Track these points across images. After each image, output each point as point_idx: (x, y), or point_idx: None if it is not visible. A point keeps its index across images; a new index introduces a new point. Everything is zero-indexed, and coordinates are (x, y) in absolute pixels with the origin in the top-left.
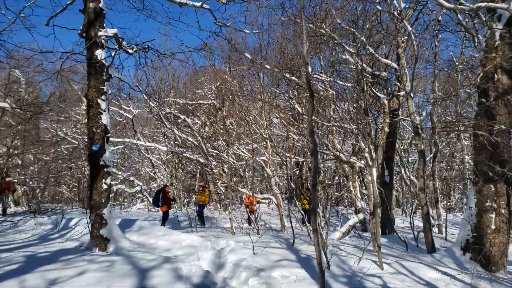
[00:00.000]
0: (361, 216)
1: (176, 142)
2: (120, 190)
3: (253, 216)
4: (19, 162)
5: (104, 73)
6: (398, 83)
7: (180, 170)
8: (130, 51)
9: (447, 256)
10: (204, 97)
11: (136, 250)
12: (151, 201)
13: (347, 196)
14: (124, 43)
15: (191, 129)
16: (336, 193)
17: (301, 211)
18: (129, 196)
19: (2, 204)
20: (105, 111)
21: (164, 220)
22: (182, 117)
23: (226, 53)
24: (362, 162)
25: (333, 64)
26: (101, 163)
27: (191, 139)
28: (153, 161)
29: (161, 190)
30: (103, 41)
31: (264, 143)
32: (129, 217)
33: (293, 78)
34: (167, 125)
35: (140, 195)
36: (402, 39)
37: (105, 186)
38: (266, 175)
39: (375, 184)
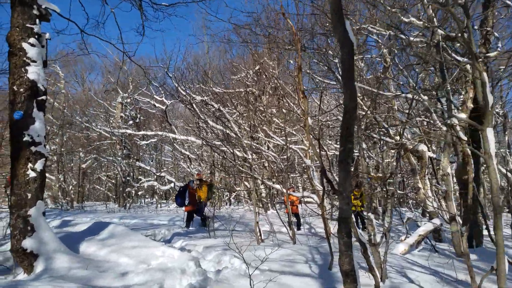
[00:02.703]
0: (437, 222)
1: (213, 134)
2: (156, 188)
3: (295, 218)
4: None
5: (35, 5)
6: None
7: (219, 165)
8: None
9: None
10: (241, 84)
11: (73, 274)
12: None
13: (412, 196)
14: None
15: (227, 120)
16: (398, 191)
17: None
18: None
19: None
20: (34, 62)
21: (189, 221)
22: (216, 106)
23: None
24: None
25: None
26: (26, 138)
27: (227, 131)
28: (189, 156)
29: (185, 187)
30: None
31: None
32: (153, 217)
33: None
34: (200, 116)
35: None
36: None
37: (32, 174)
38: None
39: (494, 165)
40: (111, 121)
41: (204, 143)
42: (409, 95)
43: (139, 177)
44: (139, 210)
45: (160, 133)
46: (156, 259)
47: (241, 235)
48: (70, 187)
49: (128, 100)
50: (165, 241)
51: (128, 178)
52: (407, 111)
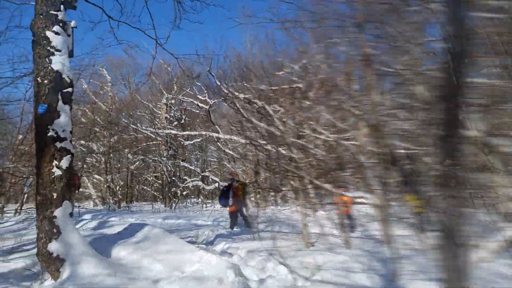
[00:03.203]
0: None
1: (257, 133)
2: (201, 188)
3: (349, 220)
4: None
5: None
6: None
7: (264, 165)
8: None
9: None
10: (286, 80)
11: (99, 281)
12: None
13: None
14: None
15: (271, 117)
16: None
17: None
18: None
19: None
20: (59, 51)
21: (233, 223)
22: (260, 103)
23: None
24: None
25: None
26: (50, 133)
27: (272, 129)
28: (233, 155)
29: (229, 187)
30: None
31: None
32: (198, 217)
33: None
34: (244, 114)
35: None
36: None
37: (57, 172)
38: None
39: None
40: (156, 122)
41: (248, 142)
42: None
43: (185, 177)
44: (184, 210)
45: (204, 133)
46: (192, 265)
47: (288, 237)
48: (117, 187)
49: (173, 101)
50: (208, 242)
51: (173, 178)
52: None
